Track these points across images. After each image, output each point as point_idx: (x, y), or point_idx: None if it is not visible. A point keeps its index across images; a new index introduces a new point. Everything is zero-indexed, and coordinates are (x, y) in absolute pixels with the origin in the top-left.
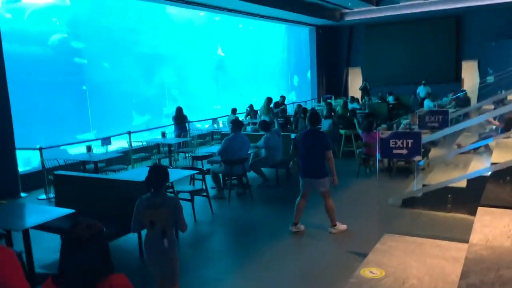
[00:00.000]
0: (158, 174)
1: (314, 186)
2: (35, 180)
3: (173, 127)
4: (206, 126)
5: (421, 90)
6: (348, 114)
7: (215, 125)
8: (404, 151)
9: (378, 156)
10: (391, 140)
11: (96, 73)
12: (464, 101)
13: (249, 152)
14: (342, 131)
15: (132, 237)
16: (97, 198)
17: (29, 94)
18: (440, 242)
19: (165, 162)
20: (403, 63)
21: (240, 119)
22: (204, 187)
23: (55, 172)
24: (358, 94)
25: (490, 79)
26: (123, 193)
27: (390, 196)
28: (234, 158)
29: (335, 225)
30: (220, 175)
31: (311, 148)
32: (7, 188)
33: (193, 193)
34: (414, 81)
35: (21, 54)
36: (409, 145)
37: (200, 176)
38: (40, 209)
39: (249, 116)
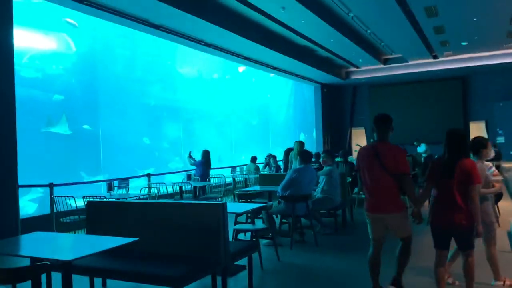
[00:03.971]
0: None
1: None
2: (38, 225)
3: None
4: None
5: (420, 149)
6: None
7: (236, 173)
8: None
9: None
10: None
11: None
12: (497, 155)
13: None
14: None
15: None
16: (155, 230)
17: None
18: None
19: None
20: (408, 124)
21: (261, 169)
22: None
23: (89, 200)
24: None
25: (500, 139)
26: (195, 221)
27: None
28: (300, 194)
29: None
30: (274, 216)
31: None
32: (2, 231)
33: (258, 233)
34: (421, 142)
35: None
36: None
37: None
38: (85, 239)
39: (267, 167)
